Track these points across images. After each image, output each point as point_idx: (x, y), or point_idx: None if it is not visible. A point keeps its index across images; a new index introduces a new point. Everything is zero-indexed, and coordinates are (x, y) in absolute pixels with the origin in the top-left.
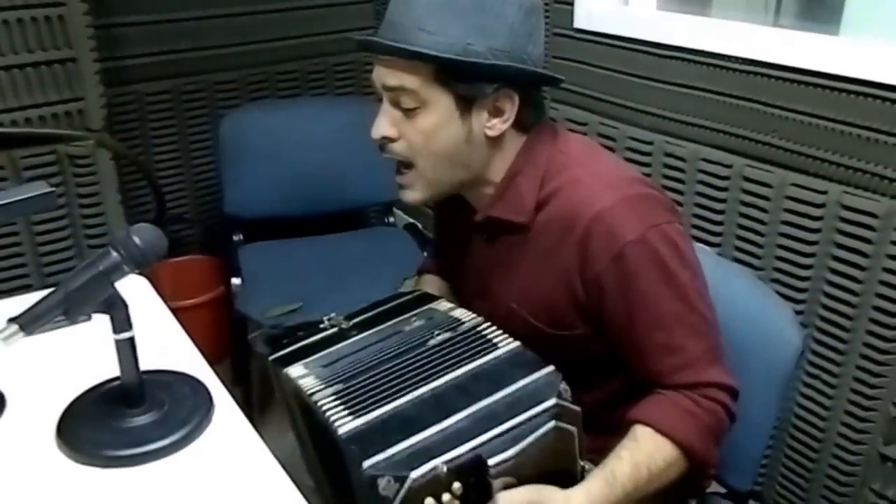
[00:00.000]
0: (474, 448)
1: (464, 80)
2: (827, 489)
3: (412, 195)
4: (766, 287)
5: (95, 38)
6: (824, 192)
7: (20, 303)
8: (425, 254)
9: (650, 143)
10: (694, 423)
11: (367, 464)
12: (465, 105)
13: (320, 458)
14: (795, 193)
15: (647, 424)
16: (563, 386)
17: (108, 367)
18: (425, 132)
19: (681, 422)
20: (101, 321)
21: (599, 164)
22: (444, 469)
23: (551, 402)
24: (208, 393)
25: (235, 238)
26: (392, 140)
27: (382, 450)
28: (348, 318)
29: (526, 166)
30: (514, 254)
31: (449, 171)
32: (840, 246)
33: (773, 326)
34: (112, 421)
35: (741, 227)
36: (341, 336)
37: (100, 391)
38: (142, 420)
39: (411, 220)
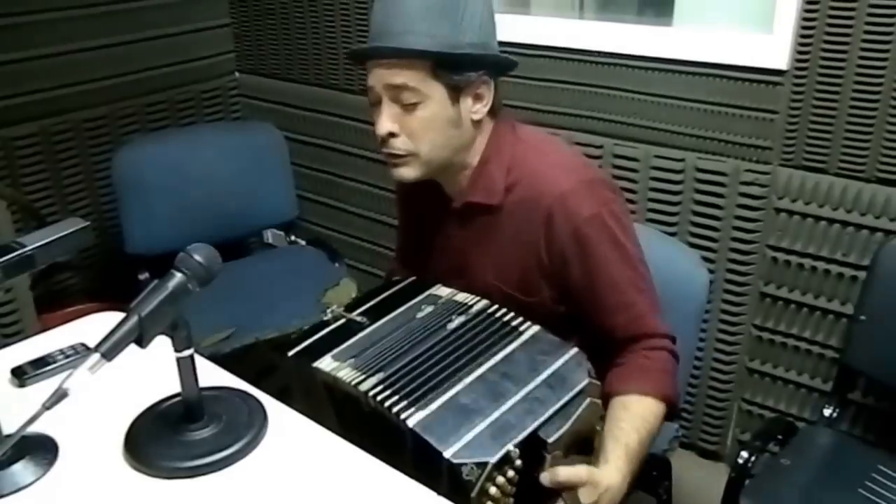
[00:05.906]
0: (535, 429)
1: (455, 71)
2: (708, 406)
3: (407, 172)
4: (674, 239)
5: None
6: (682, 160)
7: None
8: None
9: None
10: (659, 376)
11: (448, 453)
12: (455, 94)
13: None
14: (658, 163)
15: (629, 393)
16: (589, 365)
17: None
18: (424, 121)
19: (651, 380)
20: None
21: (555, 154)
22: (516, 451)
23: (585, 381)
24: (258, 401)
25: (142, 277)
26: (395, 135)
27: (457, 439)
28: (348, 309)
29: (494, 155)
30: (487, 233)
31: (441, 153)
32: (698, 202)
33: (685, 268)
34: (177, 436)
35: None
36: (355, 328)
37: (157, 410)
38: (205, 433)
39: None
